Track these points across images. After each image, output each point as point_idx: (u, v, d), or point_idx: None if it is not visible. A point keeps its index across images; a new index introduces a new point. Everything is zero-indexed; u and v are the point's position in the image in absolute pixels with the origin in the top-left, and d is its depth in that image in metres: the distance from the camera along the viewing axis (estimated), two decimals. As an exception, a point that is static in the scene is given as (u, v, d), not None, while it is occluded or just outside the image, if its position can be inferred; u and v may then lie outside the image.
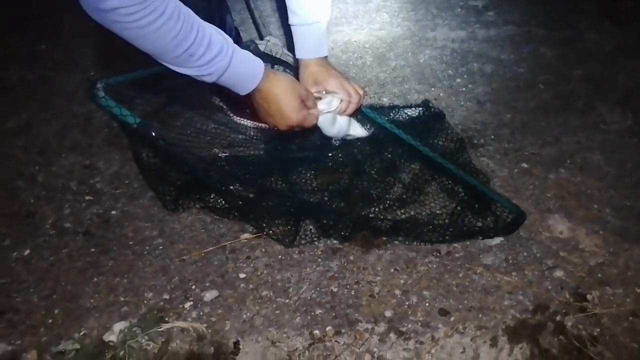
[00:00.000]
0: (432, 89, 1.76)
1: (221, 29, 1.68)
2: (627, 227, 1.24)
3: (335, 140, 1.44)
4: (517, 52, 1.93)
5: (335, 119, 1.30)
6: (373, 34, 2.04)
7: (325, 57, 1.37)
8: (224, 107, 1.64)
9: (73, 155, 1.54)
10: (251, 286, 1.17)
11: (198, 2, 1.52)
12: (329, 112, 1.26)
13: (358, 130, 1.40)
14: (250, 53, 1.14)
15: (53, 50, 2.02)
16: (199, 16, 1.51)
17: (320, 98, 1.26)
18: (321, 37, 1.36)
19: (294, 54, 1.50)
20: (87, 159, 1.53)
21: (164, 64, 1.05)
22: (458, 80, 1.80)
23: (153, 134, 1.10)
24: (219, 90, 1.42)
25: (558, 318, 1.06)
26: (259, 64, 1.14)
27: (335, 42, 1.98)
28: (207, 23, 1.07)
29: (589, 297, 1.09)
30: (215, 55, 1.05)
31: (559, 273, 1.14)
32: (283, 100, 1.17)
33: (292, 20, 1.35)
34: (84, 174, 1.48)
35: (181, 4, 1.02)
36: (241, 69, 1.11)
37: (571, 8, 2.20)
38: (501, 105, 1.68)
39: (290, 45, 1.95)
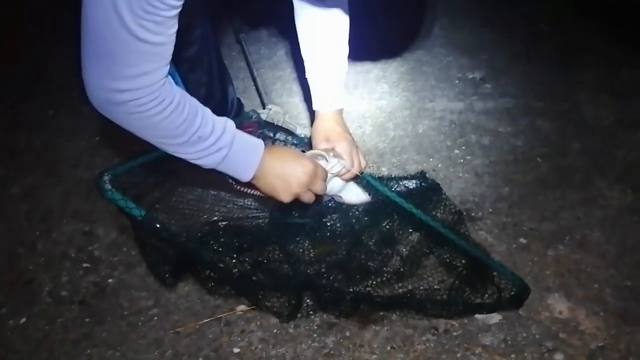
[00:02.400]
0: (430, 159, 1.79)
1: (223, 100, 1.74)
2: (628, 308, 1.23)
3: (328, 202, 1.46)
4: (514, 124, 1.96)
5: (331, 180, 1.32)
6: (373, 104, 2.09)
7: (341, 110, 1.41)
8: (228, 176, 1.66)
9: (74, 222, 1.55)
10: (246, 362, 1.15)
11: (201, 77, 1.58)
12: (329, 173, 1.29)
13: (353, 196, 1.42)
14: (249, 135, 1.17)
15: (60, 116, 2.07)
16: (202, 91, 1.56)
17: (324, 155, 1.29)
18: (338, 88, 1.40)
19: (296, 123, 1.55)
20: (87, 225, 1.54)
21: (170, 151, 1.08)
22: (456, 151, 1.83)
23: (158, 225, 1.13)
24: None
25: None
26: (258, 140, 1.17)
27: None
28: (204, 107, 1.10)
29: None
30: (221, 134, 1.08)
31: (559, 357, 1.13)
32: (289, 164, 1.19)
33: (308, 72, 1.40)
34: (83, 241, 1.49)
35: (182, 90, 1.05)
36: (244, 144, 1.14)
37: (568, 81, 2.25)
38: (499, 178, 1.69)
39: (291, 113, 2.00)
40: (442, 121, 1.99)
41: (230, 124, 1.12)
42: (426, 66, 2.32)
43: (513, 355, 1.13)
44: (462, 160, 1.78)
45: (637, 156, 1.79)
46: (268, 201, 1.51)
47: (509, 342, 1.16)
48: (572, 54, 2.45)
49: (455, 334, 1.19)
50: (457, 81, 2.24)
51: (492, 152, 1.82)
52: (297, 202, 1.23)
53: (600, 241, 1.43)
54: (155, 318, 1.26)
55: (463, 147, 1.85)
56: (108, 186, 1.11)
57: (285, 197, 1.21)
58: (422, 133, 1.93)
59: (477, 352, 1.14)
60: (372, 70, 2.30)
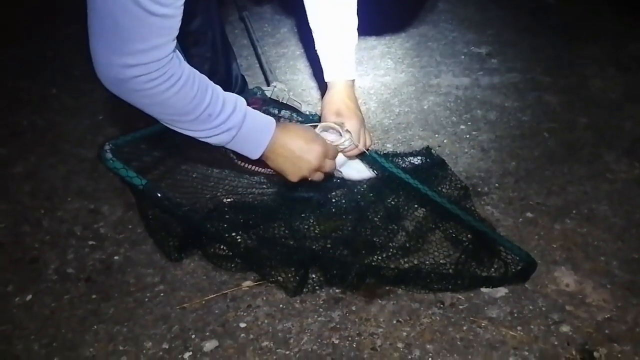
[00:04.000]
0: (436, 135, 1.77)
1: (227, 76, 1.72)
2: (636, 280, 1.22)
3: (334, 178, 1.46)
4: (521, 99, 1.94)
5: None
6: (377, 80, 2.07)
7: (353, 82, 1.40)
8: (231, 153, 1.65)
9: (78, 200, 1.55)
10: (252, 336, 1.15)
11: (204, 52, 1.57)
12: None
13: (355, 172, 1.41)
14: (260, 113, 1.16)
15: (62, 95, 2.06)
16: (205, 66, 1.54)
17: (338, 129, 1.30)
18: (349, 59, 1.39)
19: (300, 100, 1.53)
20: (92, 203, 1.54)
21: (180, 129, 1.07)
22: (462, 127, 1.81)
23: (159, 194, 1.12)
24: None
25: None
26: (270, 118, 1.16)
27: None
28: (214, 84, 1.09)
29: (596, 354, 1.06)
30: (231, 112, 1.07)
31: (565, 328, 1.12)
32: (300, 144, 1.19)
33: (318, 43, 1.39)
34: (88, 219, 1.49)
35: (188, 65, 1.04)
36: (255, 123, 1.13)
37: (575, 55, 2.22)
38: (505, 153, 1.68)
39: (296, 91, 1.99)
40: (448, 97, 1.97)
41: (240, 101, 1.11)
42: (431, 42, 2.30)
43: (519, 328, 1.13)
44: (468, 136, 1.77)
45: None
46: (273, 178, 1.51)
47: (515, 315, 1.15)
48: (578, 28, 2.42)
49: (461, 307, 1.18)
50: (463, 56, 2.22)
51: (499, 127, 1.80)
52: (305, 182, 1.24)
53: (608, 214, 1.42)
54: (162, 294, 1.26)
55: (469, 123, 1.83)
56: (109, 155, 1.11)
57: (294, 179, 1.23)
58: (427, 109, 1.91)
59: (483, 325, 1.14)
60: (377, 47, 2.28)
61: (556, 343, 1.09)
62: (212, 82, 1.09)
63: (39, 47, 2.40)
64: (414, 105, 1.92)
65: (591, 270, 1.25)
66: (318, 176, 1.26)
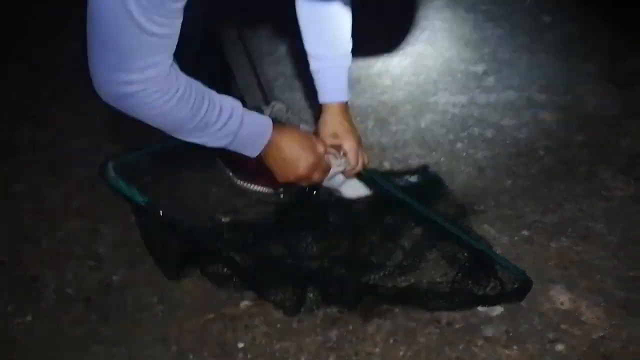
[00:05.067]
0: (433, 153, 1.79)
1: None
2: (630, 298, 1.23)
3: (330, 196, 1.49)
4: (517, 117, 1.96)
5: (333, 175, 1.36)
6: (375, 98, 2.09)
7: (347, 103, 1.43)
8: (229, 172, 1.67)
9: (78, 220, 1.57)
10: (249, 356, 1.16)
11: (203, 74, 1.59)
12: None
13: (352, 190, 1.43)
14: (257, 113, 1.18)
15: (63, 113, 2.08)
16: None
17: (334, 153, 1.33)
18: (343, 81, 1.41)
19: (299, 118, 1.56)
20: (91, 223, 1.56)
21: (179, 136, 1.10)
22: (458, 145, 1.83)
23: (160, 212, 1.14)
24: (226, 155, 1.47)
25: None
26: (267, 120, 1.19)
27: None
28: (210, 90, 1.12)
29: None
30: (228, 119, 1.10)
31: (560, 347, 1.13)
32: (294, 153, 1.22)
33: (313, 65, 1.41)
34: (87, 239, 1.50)
35: (188, 77, 1.07)
36: (252, 127, 1.16)
37: (572, 72, 2.24)
38: (502, 171, 1.69)
39: (294, 109, 2.01)
40: (445, 115, 1.99)
41: (237, 106, 1.13)
42: (428, 60, 2.32)
43: (515, 347, 1.13)
44: (464, 154, 1.78)
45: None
46: (270, 196, 1.54)
47: (511, 334, 1.16)
48: (574, 45, 2.44)
49: (457, 326, 1.19)
50: (460, 75, 2.24)
51: (495, 145, 1.81)
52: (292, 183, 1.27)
53: (604, 232, 1.43)
54: (160, 314, 1.28)
55: (465, 141, 1.85)
56: (112, 172, 1.14)
57: (282, 180, 1.26)
58: (424, 127, 1.93)
59: (479, 344, 1.15)
60: (375, 65, 2.31)
61: (551, 361, 1.10)
62: (207, 89, 1.11)
63: (39, 64, 2.43)
64: (411, 124, 1.94)
65: (586, 289, 1.26)
66: (305, 183, 1.29)
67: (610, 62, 2.30)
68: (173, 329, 1.23)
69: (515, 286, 1.24)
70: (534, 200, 1.57)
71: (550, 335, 1.15)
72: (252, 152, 1.19)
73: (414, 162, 1.74)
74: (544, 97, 2.08)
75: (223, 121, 1.11)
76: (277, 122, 1.22)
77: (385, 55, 2.38)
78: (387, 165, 1.73)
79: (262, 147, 1.19)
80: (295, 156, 1.22)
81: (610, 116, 1.96)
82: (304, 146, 1.24)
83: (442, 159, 1.76)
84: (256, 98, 2.08)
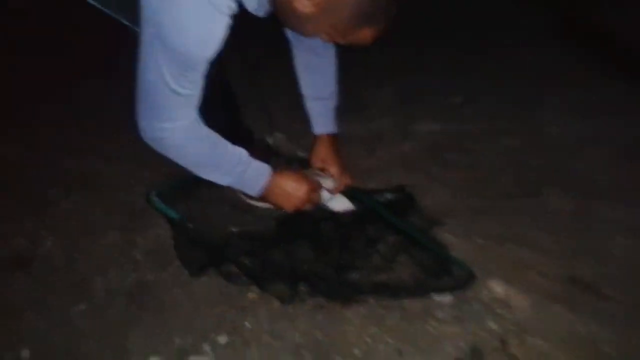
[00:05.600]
0: (412, 175, 2.12)
1: (236, 131, 2.11)
2: (554, 290, 1.56)
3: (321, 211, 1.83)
4: (487, 144, 2.30)
5: (323, 193, 1.75)
6: (364, 126, 2.44)
7: (335, 134, 1.81)
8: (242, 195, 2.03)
9: (118, 234, 1.92)
10: (255, 333, 1.50)
11: (216, 112, 1.96)
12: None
13: (339, 206, 1.79)
14: (259, 162, 1.53)
15: (105, 144, 2.46)
16: (212, 121, 1.97)
17: (321, 174, 1.75)
18: (330, 115, 1.81)
19: (298, 146, 1.92)
20: (129, 235, 1.91)
21: (196, 172, 1.47)
22: (434, 168, 2.17)
23: (189, 225, 1.58)
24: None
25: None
26: (267, 167, 1.55)
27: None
28: (225, 140, 1.48)
29: (512, 342, 1.41)
30: (236, 164, 1.48)
31: (493, 326, 1.46)
32: (290, 188, 1.60)
33: (307, 104, 1.82)
34: (126, 248, 1.86)
35: (208, 127, 1.43)
36: (254, 171, 1.52)
37: (538, 102, 2.59)
38: (468, 190, 2.02)
39: (294, 139, 2.36)
40: (425, 142, 2.34)
41: (243, 155, 1.50)
42: (412, 92, 2.68)
43: (459, 325, 1.47)
44: (439, 176, 2.12)
45: (591, 169, 2.11)
46: (273, 212, 1.89)
47: (456, 316, 1.50)
48: (543, 76, 2.78)
49: (416, 311, 1.53)
50: (440, 105, 2.59)
51: (465, 169, 2.15)
52: (299, 210, 1.66)
53: (541, 238, 1.76)
54: (185, 305, 1.62)
55: (441, 165, 2.18)
56: (155, 199, 1.56)
57: (290, 209, 1.65)
58: (406, 152, 2.28)
59: (432, 324, 1.48)
60: (364, 95, 2.66)
61: (485, 336, 1.43)
62: (222, 138, 1.48)
63: (84, 100, 2.82)
64: (394, 149, 2.29)
65: (518, 282, 1.59)
66: (308, 206, 1.67)
67: (574, 93, 2.64)
68: (197, 316, 1.58)
69: (464, 279, 1.58)
70: (491, 215, 1.90)
71: (487, 317, 1.49)
72: (254, 191, 1.57)
73: (395, 182, 2.08)
74: (511, 126, 2.42)
75: (231, 165, 1.48)
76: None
77: (374, 87, 2.74)
78: (372, 185, 2.07)
79: (261, 188, 1.56)
80: (294, 188, 1.60)
81: (568, 144, 2.29)
82: (297, 180, 1.61)
83: (419, 180, 2.09)
84: (261, 128, 2.44)
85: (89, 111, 2.75)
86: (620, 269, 1.63)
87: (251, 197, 2.02)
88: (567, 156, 2.20)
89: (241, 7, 1.30)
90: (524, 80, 2.80)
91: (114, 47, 2.06)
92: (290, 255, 1.73)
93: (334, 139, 1.83)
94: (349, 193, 1.82)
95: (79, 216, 2.02)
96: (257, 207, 1.97)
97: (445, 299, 1.56)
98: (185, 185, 1.85)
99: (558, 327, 1.45)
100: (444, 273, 1.62)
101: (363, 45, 1.29)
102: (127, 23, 1.55)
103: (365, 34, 1.25)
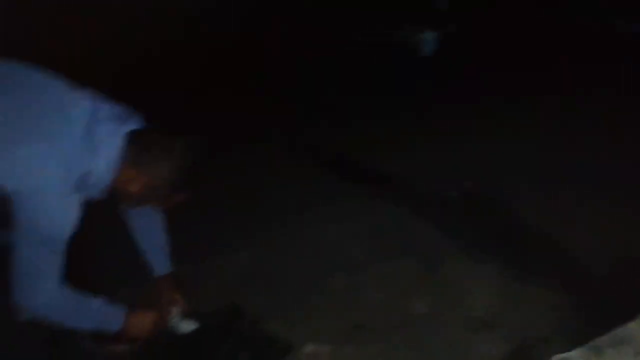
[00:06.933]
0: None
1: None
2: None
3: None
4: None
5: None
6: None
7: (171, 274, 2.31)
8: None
9: None
10: None
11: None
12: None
13: (185, 326, 2.32)
14: (113, 307, 1.99)
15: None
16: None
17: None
18: (165, 259, 2.29)
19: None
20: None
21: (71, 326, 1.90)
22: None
23: None
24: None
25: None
26: (121, 310, 2.01)
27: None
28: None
29: None
30: (95, 313, 1.89)
31: None
32: (142, 319, 2.08)
33: (147, 256, 2.28)
34: None
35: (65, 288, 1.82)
36: (112, 315, 1.98)
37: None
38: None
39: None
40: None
41: (101, 307, 1.92)
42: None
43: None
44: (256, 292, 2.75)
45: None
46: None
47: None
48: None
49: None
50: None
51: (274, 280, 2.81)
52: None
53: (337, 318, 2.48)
54: None
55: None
56: None
57: (140, 337, 2.11)
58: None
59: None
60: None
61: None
62: (83, 296, 1.89)
63: None
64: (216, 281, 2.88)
65: (324, 341, 2.27)
66: (160, 327, 2.16)
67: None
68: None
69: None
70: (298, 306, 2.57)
71: None
72: (114, 328, 1.97)
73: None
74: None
75: (93, 314, 1.90)
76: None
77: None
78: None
79: (120, 325, 1.97)
80: (143, 319, 2.10)
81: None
82: (143, 314, 2.12)
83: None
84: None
85: None
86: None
87: (104, 343, 2.43)
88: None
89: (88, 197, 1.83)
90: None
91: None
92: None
93: (171, 275, 2.35)
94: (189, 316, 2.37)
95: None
96: (114, 350, 2.39)
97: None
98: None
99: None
100: (271, 351, 2.25)
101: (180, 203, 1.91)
102: None
103: (180, 196, 1.89)
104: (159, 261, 2.34)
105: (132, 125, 1.84)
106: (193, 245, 3.18)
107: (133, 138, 1.80)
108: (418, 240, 2.93)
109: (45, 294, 1.75)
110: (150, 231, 2.30)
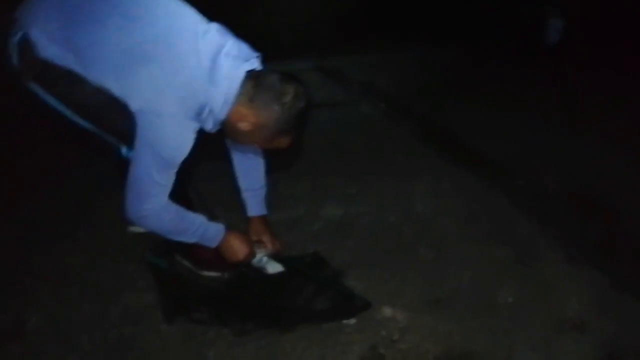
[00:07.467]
0: (323, 246, 2.78)
1: (189, 203, 2.69)
2: (422, 308, 2.27)
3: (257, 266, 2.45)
4: (373, 221, 3.05)
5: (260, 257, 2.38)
6: (283, 214, 3.12)
7: (266, 215, 2.46)
8: (191, 266, 2.60)
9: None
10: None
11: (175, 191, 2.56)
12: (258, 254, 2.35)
13: (271, 268, 2.43)
14: (215, 223, 2.16)
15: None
16: (176, 199, 2.53)
17: (258, 245, 2.37)
18: (261, 201, 2.46)
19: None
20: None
21: (170, 237, 2.06)
22: (339, 239, 2.86)
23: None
24: (187, 254, 2.45)
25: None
26: (222, 227, 2.17)
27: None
28: (188, 212, 2.09)
29: (398, 340, 2.08)
30: (198, 227, 2.07)
31: (385, 333, 2.13)
32: (236, 246, 2.21)
33: (242, 193, 2.46)
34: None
35: (176, 204, 2.03)
36: (211, 232, 2.13)
37: (403, 189, 3.41)
38: (367, 256, 2.70)
39: (232, 223, 2.98)
40: (330, 223, 3.04)
41: (204, 221, 2.10)
42: (318, 186, 3.43)
43: (361, 334, 2.12)
44: (341, 245, 2.81)
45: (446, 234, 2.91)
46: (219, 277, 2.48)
47: (360, 333, 2.15)
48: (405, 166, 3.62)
49: (333, 330, 2.16)
50: (340, 195, 3.34)
51: (361, 240, 2.85)
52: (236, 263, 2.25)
53: (414, 278, 2.48)
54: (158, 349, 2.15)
55: (342, 237, 2.89)
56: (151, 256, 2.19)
57: (231, 261, 2.24)
58: (317, 230, 2.97)
59: (342, 341, 2.12)
60: (279, 188, 3.34)
61: (379, 339, 2.10)
62: (186, 211, 2.06)
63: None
64: (306, 230, 2.97)
65: (401, 306, 2.28)
66: (243, 262, 2.28)
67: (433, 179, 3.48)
68: (170, 355, 2.11)
69: (362, 307, 2.25)
70: (380, 266, 2.60)
71: (380, 328, 2.15)
72: (213, 244, 2.17)
73: (310, 250, 2.74)
74: (387, 207, 3.20)
75: (195, 228, 2.09)
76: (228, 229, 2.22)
77: (288, 179, 3.45)
78: (294, 252, 2.71)
79: (216, 244, 2.16)
80: (235, 248, 2.22)
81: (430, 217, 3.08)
82: (242, 240, 2.24)
83: (328, 248, 2.76)
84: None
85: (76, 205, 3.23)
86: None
87: (201, 268, 2.62)
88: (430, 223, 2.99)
89: (202, 128, 1.96)
90: (391, 174, 3.63)
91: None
92: (239, 303, 2.32)
93: (265, 219, 2.49)
94: (278, 258, 2.47)
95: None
96: (207, 275, 2.56)
97: (351, 322, 2.21)
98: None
99: (427, 330, 2.15)
100: (349, 304, 2.28)
101: (282, 149, 1.99)
102: (113, 141, 2.13)
103: (283, 142, 1.96)
104: (255, 203, 2.45)
105: (253, 64, 1.90)
106: (289, 194, 3.30)
107: (251, 77, 1.86)
108: (517, 231, 2.88)
109: (156, 204, 1.91)
110: (250, 172, 2.42)
